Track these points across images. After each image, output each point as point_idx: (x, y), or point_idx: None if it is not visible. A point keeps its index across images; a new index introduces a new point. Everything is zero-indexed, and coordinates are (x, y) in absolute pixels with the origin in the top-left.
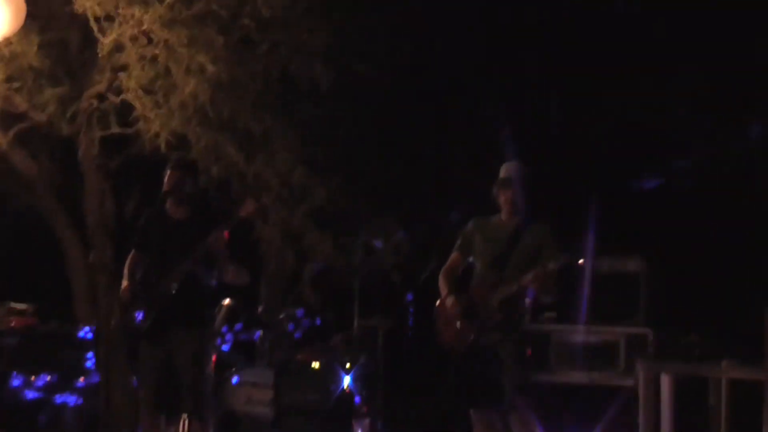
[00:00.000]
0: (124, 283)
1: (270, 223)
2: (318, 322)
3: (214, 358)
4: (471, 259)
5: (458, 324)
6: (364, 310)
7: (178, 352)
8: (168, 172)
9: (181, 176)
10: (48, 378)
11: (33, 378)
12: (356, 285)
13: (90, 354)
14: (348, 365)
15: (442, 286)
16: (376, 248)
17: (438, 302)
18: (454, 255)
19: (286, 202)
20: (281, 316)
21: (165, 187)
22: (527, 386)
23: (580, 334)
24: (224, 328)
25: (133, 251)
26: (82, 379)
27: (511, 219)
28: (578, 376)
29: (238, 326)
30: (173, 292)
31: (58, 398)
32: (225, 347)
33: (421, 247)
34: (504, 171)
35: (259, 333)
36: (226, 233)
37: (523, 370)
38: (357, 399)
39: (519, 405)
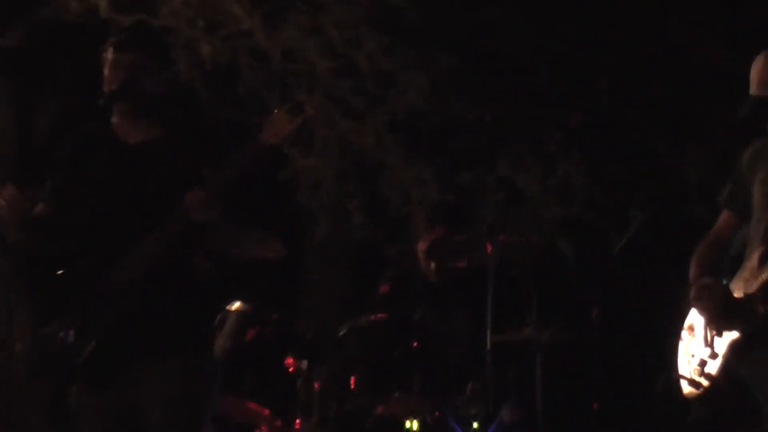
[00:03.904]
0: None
1: (317, 147)
2: (413, 340)
3: (216, 413)
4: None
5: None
6: (504, 314)
7: (147, 403)
8: (110, 55)
9: (139, 61)
10: None
11: None
12: (489, 264)
13: None
14: (476, 424)
15: (693, 270)
16: (525, 193)
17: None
18: (722, 215)
19: (346, 101)
20: (342, 333)
21: (107, 85)
22: None
23: None
24: (234, 356)
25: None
26: None
27: None
28: None
29: (259, 352)
30: (134, 291)
31: None
32: (236, 393)
33: (612, 190)
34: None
35: (300, 365)
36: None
37: None
38: None
39: None
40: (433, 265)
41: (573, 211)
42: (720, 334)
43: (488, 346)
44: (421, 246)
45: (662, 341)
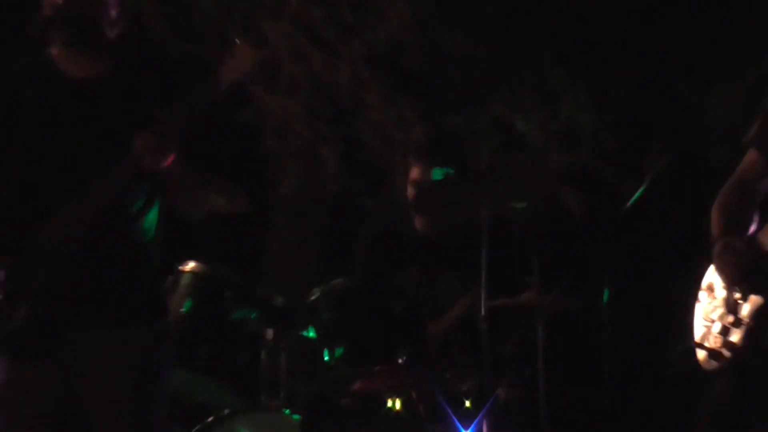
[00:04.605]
0: None
1: (285, 84)
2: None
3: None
4: None
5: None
6: (501, 276)
7: (91, 379)
8: None
9: None
10: None
11: None
12: (483, 216)
13: None
14: (468, 402)
15: (714, 222)
16: (524, 138)
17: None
18: (748, 155)
19: (317, 31)
20: (313, 298)
21: (45, 10)
22: None
23: None
24: (188, 324)
25: None
26: None
27: None
28: None
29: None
30: (72, 249)
31: None
32: (191, 367)
33: (624, 134)
34: None
35: (265, 334)
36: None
37: None
38: None
39: None
40: (421, 215)
41: (579, 159)
42: (745, 298)
43: (483, 312)
44: (410, 192)
45: (679, 307)
